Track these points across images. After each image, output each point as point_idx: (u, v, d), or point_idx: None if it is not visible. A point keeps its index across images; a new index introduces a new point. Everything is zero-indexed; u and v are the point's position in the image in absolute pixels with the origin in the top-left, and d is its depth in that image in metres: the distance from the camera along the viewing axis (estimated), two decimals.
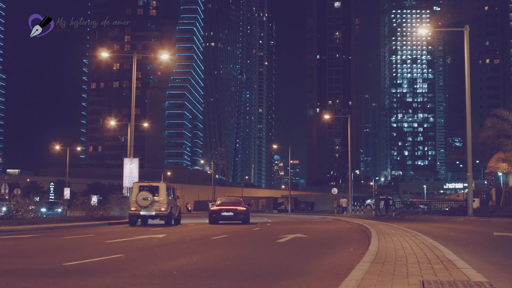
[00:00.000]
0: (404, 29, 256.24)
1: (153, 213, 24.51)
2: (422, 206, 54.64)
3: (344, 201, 54.38)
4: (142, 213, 24.45)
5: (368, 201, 66.79)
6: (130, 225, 24.43)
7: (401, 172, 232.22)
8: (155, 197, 24.48)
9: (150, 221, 26.18)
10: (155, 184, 25.40)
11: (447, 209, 46.45)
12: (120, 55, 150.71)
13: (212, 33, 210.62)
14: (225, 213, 26.49)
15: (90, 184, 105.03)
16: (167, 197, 25.03)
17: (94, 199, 55.46)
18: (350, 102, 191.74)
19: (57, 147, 78.99)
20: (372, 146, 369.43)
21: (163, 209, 24.55)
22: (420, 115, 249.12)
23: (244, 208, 27.05)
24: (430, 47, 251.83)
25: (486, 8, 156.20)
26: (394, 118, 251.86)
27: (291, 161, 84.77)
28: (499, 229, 17.57)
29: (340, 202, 54.25)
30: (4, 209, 26.38)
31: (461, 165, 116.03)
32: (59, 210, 32.18)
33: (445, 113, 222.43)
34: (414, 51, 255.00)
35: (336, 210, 54.31)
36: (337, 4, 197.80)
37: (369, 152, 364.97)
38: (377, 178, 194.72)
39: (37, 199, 29.86)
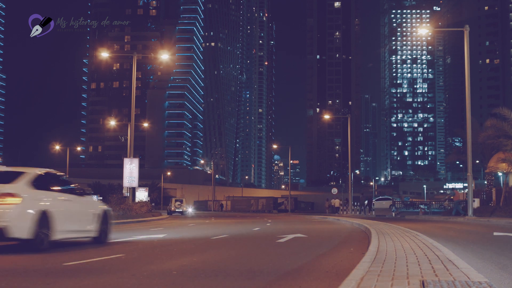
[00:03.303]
0: (404, 29, 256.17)
1: (181, 210, 57.13)
2: (422, 206, 54.65)
3: (337, 202, 54.53)
4: (176, 210, 56.90)
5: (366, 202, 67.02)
6: (168, 214, 52.26)
7: (401, 172, 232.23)
8: (182, 204, 57.99)
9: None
10: (181, 198, 60.28)
11: (439, 212, 46.66)
12: (120, 55, 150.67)
13: (212, 33, 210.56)
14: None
15: (90, 184, 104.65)
16: (186, 204, 59.99)
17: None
18: (350, 102, 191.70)
19: (57, 147, 79.01)
20: (372, 146, 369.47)
21: (184, 209, 57.80)
22: (420, 115, 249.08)
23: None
24: (430, 47, 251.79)
25: (486, 8, 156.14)
26: (394, 118, 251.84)
27: (291, 161, 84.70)
28: (499, 229, 17.57)
29: (333, 203, 54.43)
30: None
31: (461, 165, 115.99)
32: None
33: (445, 113, 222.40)
34: (414, 51, 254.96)
35: (328, 210, 54.59)
36: (337, 4, 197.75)
37: (369, 152, 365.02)
38: (377, 178, 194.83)
39: None
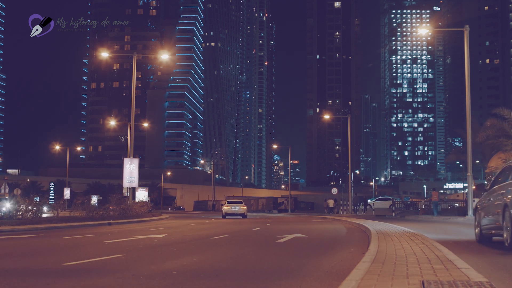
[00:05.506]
0: (404, 29, 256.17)
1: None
2: (422, 206, 54.64)
3: (331, 202, 55.01)
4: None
5: (368, 201, 67.34)
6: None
7: (401, 172, 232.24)
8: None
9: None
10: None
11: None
12: (120, 55, 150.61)
13: (212, 33, 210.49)
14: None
15: (90, 184, 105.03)
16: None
17: (94, 199, 55.41)
18: (350, 102, 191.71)
19: (57, 147, 78.97)
20: (372, 146, 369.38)
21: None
22: (420, 115, 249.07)
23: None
24: (430, 47, 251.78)
25: (486, 8, 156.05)
26: (394, 118, 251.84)
27: (291, 161, 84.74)
28: None
29: (328, 203, 54.97)
30: (8, 205, 26.09)
31: (461, 165, 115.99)
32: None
33: (445, 113, 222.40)
34: (414, 51, 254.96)
35: (326, 210, 55.19)
36: (337, 4, 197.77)
37: (369, 152, 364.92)
38: (377, 178, 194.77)
39: (37, 199, 29.78)
